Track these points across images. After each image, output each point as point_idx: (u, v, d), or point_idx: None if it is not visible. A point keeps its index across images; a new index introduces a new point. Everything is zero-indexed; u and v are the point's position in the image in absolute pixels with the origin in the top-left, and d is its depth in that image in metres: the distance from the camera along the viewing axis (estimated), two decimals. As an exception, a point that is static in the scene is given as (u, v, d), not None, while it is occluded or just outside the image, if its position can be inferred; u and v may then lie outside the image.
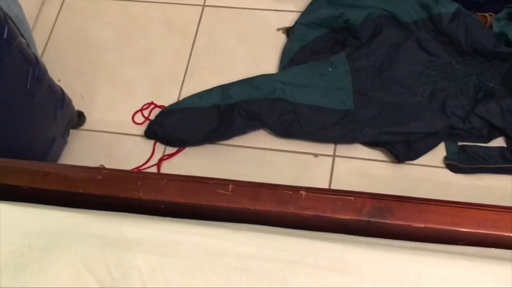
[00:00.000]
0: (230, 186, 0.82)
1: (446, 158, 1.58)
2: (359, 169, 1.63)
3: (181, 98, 1.80)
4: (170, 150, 1.73)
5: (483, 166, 1.53)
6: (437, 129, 1.57)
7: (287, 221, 0.79)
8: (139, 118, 1.80)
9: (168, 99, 1.81)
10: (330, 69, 1.71)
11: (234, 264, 0.71)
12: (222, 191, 0.82)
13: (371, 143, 1.62)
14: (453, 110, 1.59)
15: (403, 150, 1.59)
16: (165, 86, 1.84)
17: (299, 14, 1.87)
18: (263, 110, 1.65)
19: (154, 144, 1.75)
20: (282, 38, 1.87)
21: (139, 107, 1.81)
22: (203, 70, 1.86)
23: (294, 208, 0.79)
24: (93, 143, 1.79)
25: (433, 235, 0.76)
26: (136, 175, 0.85)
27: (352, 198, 0.78)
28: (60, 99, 1.61)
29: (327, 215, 0.78)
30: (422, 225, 0.76)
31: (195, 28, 1.93)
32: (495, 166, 1.52)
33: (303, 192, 0.80)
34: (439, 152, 1.62)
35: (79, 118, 1.76)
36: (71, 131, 1.75)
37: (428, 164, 1.61)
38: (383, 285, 0.67)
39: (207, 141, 1.71)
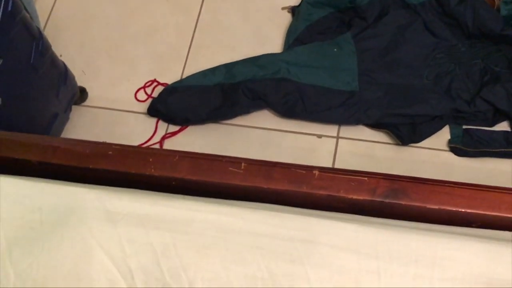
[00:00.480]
0: (243, 164, 0.81)
1: (450, 141, 1.58)
2: (363, 150, 1.63)
3: (184, 76, 1.79)
4: (172, 128, 1.72)
5: (487, 149, 1.53)
6: (442, 112, 1.57)
7: (300, 201, 0.79)
8: (141, 95, 1.78)
9: (171, 76, 1.79)
10: (335, 50, 1.70)
11: (248, 242, 0.71)
12: (235, 169, 0.81)
13: (376, 125, 1.62)
14: (458, 93, 1.58)
15: (407, 133, 1.58)
16: (168, 63, 1.82)
17: (304, -7, 1.85)
18: (267, 89, 1.64)
19: (157, 122, 1.73)
20: (287, 17, 1.85)
21: (142, 85, 1.79)
22: (207, 48, 1.84)
23: (307, 187, 0.78)
24: (95, 120, 1.77)
25: (447, 217, 0.75)
26: (148, 151, 0.84)
27: (366, 178, 0.78)
28: (63, 74, 1.59)
29: (341, 195, 0.77)
30: (437, 207, 0.75)
31: (199, 5, 1.91)
32: (499, 150, 1.52)
33: (316, 172, 0.79)
34: (444, 135, 1.61)
35: (82, 94, 1.74)
36: (73, 107, 1.73)
37: (432, 147, 1.61)
38: (400, 266, 0.67)
39: (210, 120, 1.69)
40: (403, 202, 0.76)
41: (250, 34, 1.85)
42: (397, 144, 1.61)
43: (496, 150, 1.53)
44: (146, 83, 1.80)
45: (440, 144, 1.61)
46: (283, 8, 1.85)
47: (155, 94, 1.77)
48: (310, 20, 1.74)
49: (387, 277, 0.66)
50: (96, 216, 0.74)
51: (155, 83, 1.79)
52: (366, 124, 1.64)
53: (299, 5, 1.80)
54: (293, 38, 1.74)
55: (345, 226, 0.71)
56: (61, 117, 1.63)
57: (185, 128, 1.71)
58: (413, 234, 0.70)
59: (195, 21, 1.88)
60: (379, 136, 1.65)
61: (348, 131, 1.66)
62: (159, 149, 0.83)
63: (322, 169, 0.79)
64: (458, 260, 0.67)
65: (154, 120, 1.74)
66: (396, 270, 0.67)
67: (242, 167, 0.81)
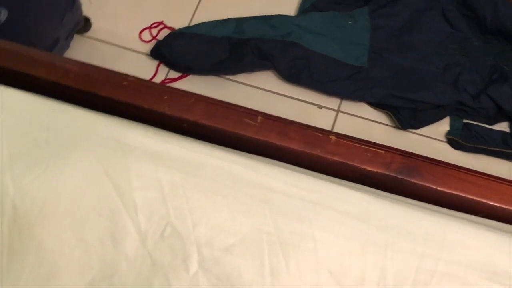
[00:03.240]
0: (259, 117, 0.79)
1: (448, 133, 1.58)
2: (361, 128, 1.62)
3: (192, 24, 1.75)
4: (173, 74, 1.69)
5: (483, 147, 1.54)
6: (445, 102, 1.56)
7: (312, 164, 0.77)
8: (146, 35, 1.74)
9: (178, 22, 1.76)
10: (350, 22, 1.67)
11: (257, 195, 0.69)
12: (250, 121, 0.79)
13: (378, 105, 1.61)
14: (465, 86, 1.58)
15: (407, 117, 1.58)
16: (178, 8, 1.78)
17: (327, -41, 1.81)
18: (275, 51, 1.62)
19: (158, 65, 1.70)
20: (305, -18, 1.81)
21: (148, 25, 1.75)
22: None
23: (322, 151, 0.77)
24: (95, 52, 1.73)
25: (457, 202, 0.75)
26: (164, 89, 0.81)
27: (382, 151, 0.76)
28: (71, 0, 1.54)
29: (355, 164, 0.76)
30: (448, 191, 0.74)
31: (218, -46, 1.85)
32: (495, 149, 1.53)
33: (332, 137, 0.78)
34: (443, 125, 1.62)
35: (85, 24, 1.69)
36: (75, 36, 1.69)
37: (430, 135, 1.61)
38: (407, 242, 0.66)
39: (213, 72, 1.67)
40: (415, 181, 0.75)
41: (265, -9, 1.81)
42: (396, 127, 1.61)
43: (492, 148, 1.53)
44: (153, 24, 1.75)
45: (438, 134, 1.61)
46: (303, -29, 1.81)
47: (160, 37, 1.73)
48: (330, -12, 1.71)
49: (393, 252, 0.66)
50: (106, 144, 0.72)
51: (161, 26, 1.75)
52: (368, 102, 1.63)
53: (321, -29, 1.76)
54: (309, 3, 1.71)
55: (357, 195, 0.70)
56: (61, 44, 1.59)
57: (186, 76, 1.68)
58: (424, 213, 0.69)
59: (212, -31, 1.84)
60: (379, 116, 1.64)
61: (349, 106, 1.65)
62: (175, 88, 0.80)
63: (338, 135, 0.78)
64: (465, 245, 0.67)
65: (155, 63, 1.71)
66: (404, 246, 0.66)
67: (258, 120, 0.79)
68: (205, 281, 0.66)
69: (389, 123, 1.63)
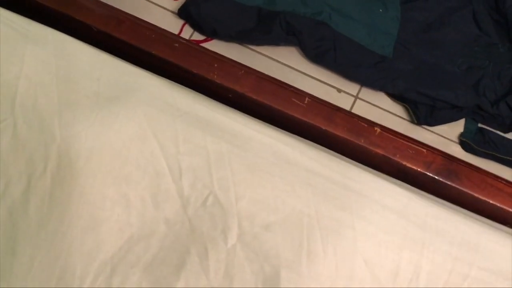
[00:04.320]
0: (307, 99, 0.79)
1: (462, 135, 1.59)
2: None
3: (223, -13, 1.72)
4: (197, 36, 1.67)
5: (494, 153, 1.55)
6: (464, 104, 1.57)
7: (353, 152, 0.78)
8: (175, -7, 1.71)
9: (209, -17, 1.72)
10: (381, 10, 1.66)
11: (302, 177, 0.70)
12: (297, 101, 0.79)
13: (397, 97, 1.61)
14: (485, 91, 1.58)
15: (424, 113, 1.58)
16: (210, -31, 1.75)
17: None
18: (304, 28, 1.60)
19: (183, 26, 1.67)
20: (341, -38, 1.79)
21: (178, -18, 1.72)
22: (253, -33, 1.77)
23: (365, 141, 0.77)
24: (120, 2, 1.70)
25: (489, 210, 0.76)
26: (215, 56, 0.81)
27: (424, 150, 0.77)
28: None
29: (396, 159, 0.77)
30: (484, 198, 0.76)
31: None
32: (505, 157, 1.54)
33: (377, 129, 0.78)
34: (457, 127, 1.62)
35: (115, -28, 1.66)
36: (103, -18, 1.65)
37: (443, 135, 1.61)
38: (444, 244, 0.67)
39: (238, 40, 1.65)
40: (453, 184, 0.76)
41: (299, -34, 1.78)
42: (411, 122, 1.61)
43: (503, 156, 1.55)
44: (183, -19, 1.72)
45: (451, 134, 1.62)
46: (340, -49, 1.79)
47: (189, -4, 1.70)
48: (365, -28, 1.69)
49: (429, 251, 0.67)
50: (156, 104, 0.72)
51: (192, -15, 1.71)
52: (387, 93, 1.62)
53: (359, -47, 1.74)
54: (343, -15, 1.69)
55: (398, 190, 0.71)
56: (90, -11, 1.56)
57: (210, 40, 1.66)
58: (461, 217, 0.70)
59: None
60: (396, 108, 1.64)
61: (368, 94, 1.64)
62: (226, 58, 0.80)
63: (383, 128, 0.78)
64: (499, 254, 0.68)
65: (180, 22, 1.68)
66: (440, 247, 0.67)
67: (306, 102, 0.79)
68: (242, 255, 0.66)
69: (404, 117, 1.63)
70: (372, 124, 0.78)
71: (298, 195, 0.68)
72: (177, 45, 0.80)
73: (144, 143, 0.69)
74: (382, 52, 1.59)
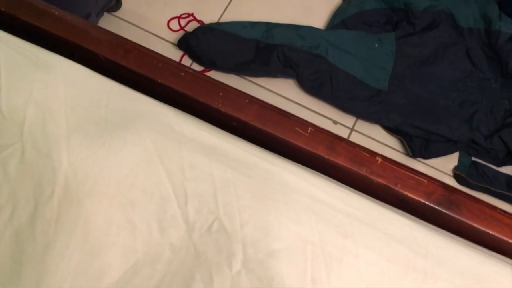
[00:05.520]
0: (309, 128, 0.81)
1: (456, 168, 1.61)
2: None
3: (221, 21, 1.76)
4: (195, 67, 1.69)
5: (488, 187, 1.57)
6: (458, 138, 1.59)
7: (355, 181, 0.79)
8: (174, 25, 1.75)
9: (208, 17, 1.77)
10: (376, 45, 1.70)
11: (306, 204, 0.71)
12: (300, 130, 0.81)
13: (392, 130, 1.63)
14: (478, 126, 1.61)
15: (419, 146, 1.61)
16: (210, 3, 1.79)
17: (361, -20, 1.84)
18: (301, 61, 1.63)
19: (182, 56, 1.71)
20: (337, -2, 1.84)
21: (178, 14, 1.76)
22: (251, 0, 1.81)
23: (367, 171, 0.79)
24: (122, 33, 1.71)
25: (489, 240, 0.77)
26: (220, 85, 0.82)
27: (425, 181, 0.78)
28: (109, -23, 1.54)
29: (397, 189, 0.78)
30: (484, 229, 0.77)
31: (256, -44, 1.87)
32: (499, 191, 1.56)
33: (379, 159, 0.79)
34: (451, 160, 1.65)
35: (116, 3, 1.69)
36: (105, 14, 1.68)
37: (437, 167, 1.64)
38: (446, 273, 0.68)
39: (236, 72, 1.68)
40: (453, 214, 0.77)
41: (297, 1, 1.83)
42: (406, 154, 1.64)
43: (496, 190, 1.57)
44: (183, 14, 1.76)
45: (445, 167, 1.64)
46: (337, -12, 1.83)
47: (188, 28, 1.74)
48: (361, 8, 1.73)
49: (432, 279, 0.68)
50: (162, 131, 0.73)
51: (191, 17, 1.76)
52: (383, 126, 1.65)
53: (355, -10, 1.78)
54: (340, 20, 1.73)
55: (401, 219, 0.72)
56: (92, 19, 1.58)
57: (208, 71, 1.69)
58: (462, 247, 0.71)
59: (248, -30, 1.85)
60: (391, 141, 1.67)
61: (363, 126, 1.67)
62: (231, 87, 0.81)
63: (384, 158, 0.80)
64: (499, 283, 0.69)
65: (180, 53, 1.71)
66: (442, 276, 0.68)
67: (308, 131, 0.80)
68: (246, 281, 0.67)
69: (400, 149, 1.65)
70: (374, 154, 0.79)
71: (302, 222, 0.69)
72: (183, 74, 0.82)
73: (150, 168, 0.70)
74: (378, 86, 1.62)
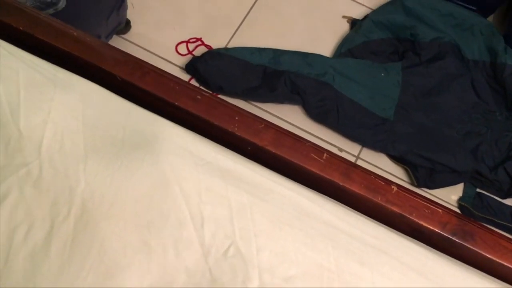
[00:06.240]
0: (325, 154, 0.81)
1: (461, 199, 1.61)
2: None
3: (229, 46, 1.77)
4: (202, 91, 1.70)
5: (492, 218, 1.57)
6: (463, 169, 1.60)
7: (369, 209, 0.79)
8: (182, 49, 1.76)
9: (216, 42, 1.78)
10: (382, 74, 1.71)
11: (322, 231, 0.70)
12: (316, 157, 0.81)
13: (397, 158, 1.64)
14: (483, 157, 1.62)
15: (424, 176, 1.61)
16: (218, 28, 1.80)
17: (368, 10, 1.86)
18: (308, 88, 1.64)
19: (189, 80, 1.71)
20: (344, 26, 1.86)
21: (186, 39, 1.77)
22: (259, 27, 1.83)
23: (382, 199, 0.79)
24: (129, 55, 1.73)
25: (503, 272, 0.77)
26: (236, 109, 0.82)
27: (440, 210, 0.78)
28: (120, 0, 1.55)
29: (412, 218, 0.78)
30: (498, 260, 0.76)
31: (265, -16, 1.89)
32: (503, 223, 1.56)
33: (394, 187, 0.79)
34: (456, 190, 1.65)
35: (125, 26, 1.71)
36: (114, 36, 1.70)
37: (442, 198, 1.63)
38: (462, 304, 0.68)
39: (243, 97, 1.69)
40: (468, 245, 0.77)
41: (304, 29, 1.85)
42: (411, 184, 1.64)
43: (500, 222, 1.57)
44: (191, 38, 1.77)
45: (449, 198, 1.64)
46: (343, 17, 1.86)
47: (196, 53, 1.75)
48: (368, 38, 1.75)
49: (448, 310, 0.67)
50: (179, 153, 0.73)
51: (199, 42, 1.77)
52: (388, 155, 1.65)
53: (362, 19, 1.81)
54: (346, 48, 1.75)
55: (417, 248, 0.72)
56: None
57: (215, 96, 1.69)
58: (478, 277, 0.71)
59: (257, -3, 1.87)
60: (396, 170, 1.67)
61: (369, 154, 1.67)
62: (247, 111, 0.81)
63: (400, 187, 0.80)
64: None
65: (187, 77, 1.72)
66: (458, 306, 0.68)
67: (324, 157, 0.80)
68: (262, 307, 0.66)
69: (404, 178, 1.65)
70: (389, 182, 0.79)
71: (319, 248, 0.69)
72: (199, 97, 0.82)
73: (167, 191, 0.70)
74: (383, 115, 1.63)
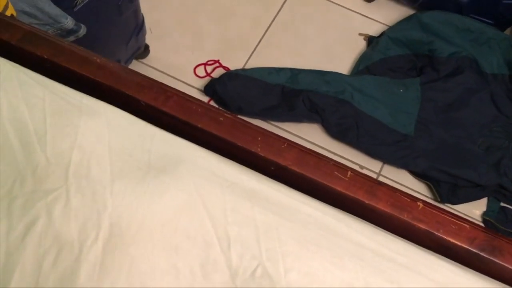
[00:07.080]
0: (349, 173, 0.81)
1: (485, 214, 1.59)
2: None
3: (247, 67, 1.78)
4: (221, 112, 1.71)
5: (517, 233, 1.55)
6: (486, 183, 1.58)
7: (396, 227, 0.78)
8: (200, 71, 1.77)
9: (234, 63, 1.79)
10: (401, 90, 1.71)
11: (350, 250, 0.70)
12: (340, 175, 0.80)
13: (419, 175, 1.63)
14: (506, 171, 1.60)
15: (447, 192, 1.60)
16: (235, 50, 1.82)
17: (384, 26, 1.87)
18: (327, 106, 1.65)
19: (208, 102, 1.72)
20: (361, 44, 1.86)
21: (204, 61, 1.79)
22: (276, 47, 1.84)
23: (408, 216, 0.78)
24: (148, 79, 1.75)
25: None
26: (258, 130, 0.83)
27: (467, 226, 0.78)
28: (139, 26, 1.58)
29: (439, 234, 0.77)
30: (528, 275, 0.76)
31: (281, 5, 1.91)
32: (529, 237, 1.54)
33: (420, 204, 0.79)
34: (480, 205, 1.63)
35: (144, 51, 1.73)
36: (133, 61, 1.72)
37: (465, 213, 1.62)
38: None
39: (262, 117, 1.69)
40: (497, 260, 0.76)
41: (321, 47, 1.86)
42: (434, 200, 1.62)
43: (526, 236, 1.54)
44: (209, 61, 1.79)
45: (473, 212, 1.62)
46: (360, 34, 1.86)
47: (214, 75, 1.76)
48: (386, 54, 1.75)
49: (479, 327, 0.66)
50: (204, 175, 0.73)
51: (217, 64, 1.79)
52: (410, 171, 1.65)
53: (379, 36, 1.81)
54: (364, 66, 1.75)
55: (445, 264, 0.71)
56: (121, 66, 1.62)
57: (237, 117, 1.70)
58: (508, 294, 0.70)
59: (273, 18, 1.89)
60: (419, 186, 1.66)
61: (390, 171, 1.67)
62: (269, 131, 0.82)
63: (425, 203, 0.79)
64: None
65: (206, 99, 1.73)
66: (490, 323, 0.67)
67: (348, 175, 0.80)
68: (291, 328, 0.66)
69: (427, 194, 1.64)
70: (415, 199, 0.79)
71: (347, 267, 0.69)
72: (222, 119, 0.83)
73: (193, 212, 0.71)
74: (404, 131, 1.63)
